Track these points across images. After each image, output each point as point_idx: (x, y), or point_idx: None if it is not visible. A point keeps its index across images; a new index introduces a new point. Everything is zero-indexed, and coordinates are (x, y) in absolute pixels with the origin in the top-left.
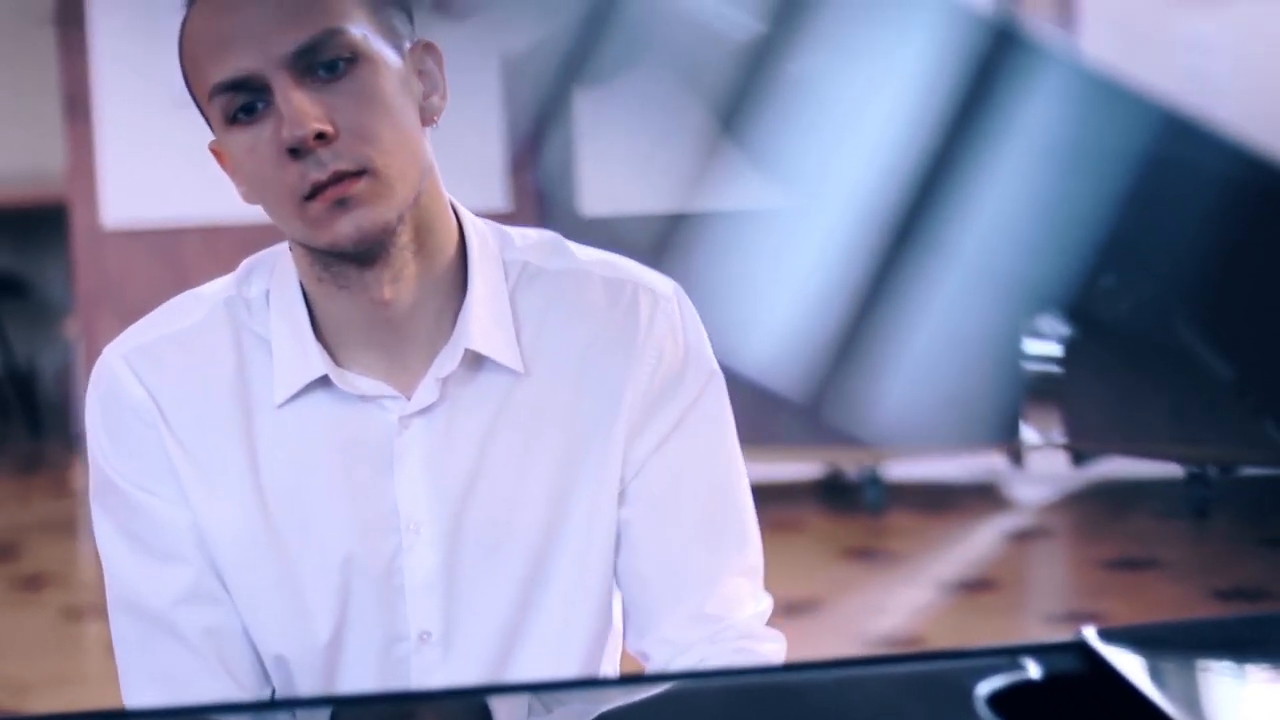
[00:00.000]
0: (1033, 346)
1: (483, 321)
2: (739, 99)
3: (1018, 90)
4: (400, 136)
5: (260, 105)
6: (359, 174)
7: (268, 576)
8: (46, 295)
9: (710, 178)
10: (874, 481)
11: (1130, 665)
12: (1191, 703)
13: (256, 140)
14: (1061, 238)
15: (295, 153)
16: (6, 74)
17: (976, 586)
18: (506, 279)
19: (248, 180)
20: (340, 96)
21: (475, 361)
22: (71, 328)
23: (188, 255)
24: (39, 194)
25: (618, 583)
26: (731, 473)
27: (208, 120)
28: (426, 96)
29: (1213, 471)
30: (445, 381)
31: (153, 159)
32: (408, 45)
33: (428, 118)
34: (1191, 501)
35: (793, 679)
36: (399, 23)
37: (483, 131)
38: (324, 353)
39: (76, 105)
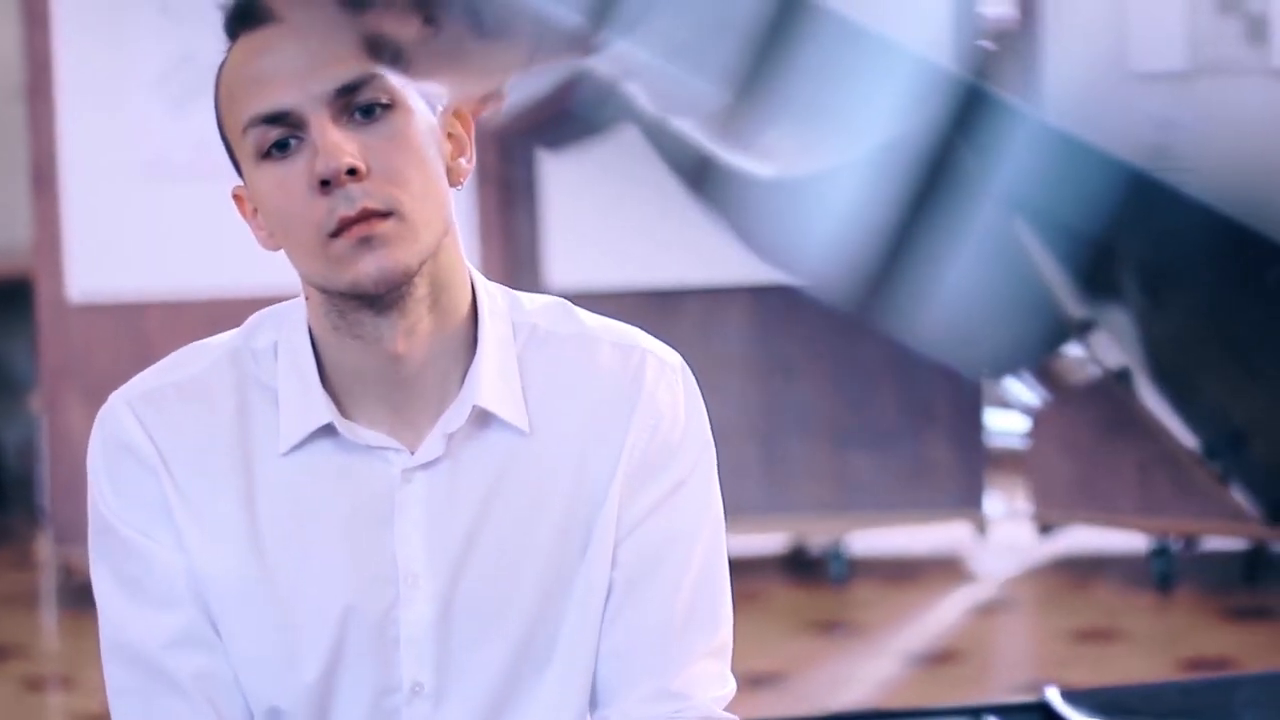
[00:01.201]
0: (996, 417)
1: (491, 379)
2: (718, 166)
3: (984, 152)
4: (428, 184)
5: (294, 142)
6: (386, 214)
7: (263, 623)
8: (11, 369)
9: (684, 251)
10: (837, 555)
11: None
12: None
13: (288, 175)
14: (1025, 305)
15: (326, 185)
16: None
17: (941, 658)
18: (515, 339)
19: (272, 218)
20: (374, 138)
21: (482, 419)
22: (36, 402)
23: (152, 329)
24: (4, 267)
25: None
26: (714, 550)
27: (235, 163)
28: (454, 157)
29: (1176, 544)
30: (451, 437)
31: (118, 232)
32: (440, 107)
33: (454, 178)
34: (1155, 573)
35: None
36: (431, 85)
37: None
38: (330, 402)
39: (43, 179)
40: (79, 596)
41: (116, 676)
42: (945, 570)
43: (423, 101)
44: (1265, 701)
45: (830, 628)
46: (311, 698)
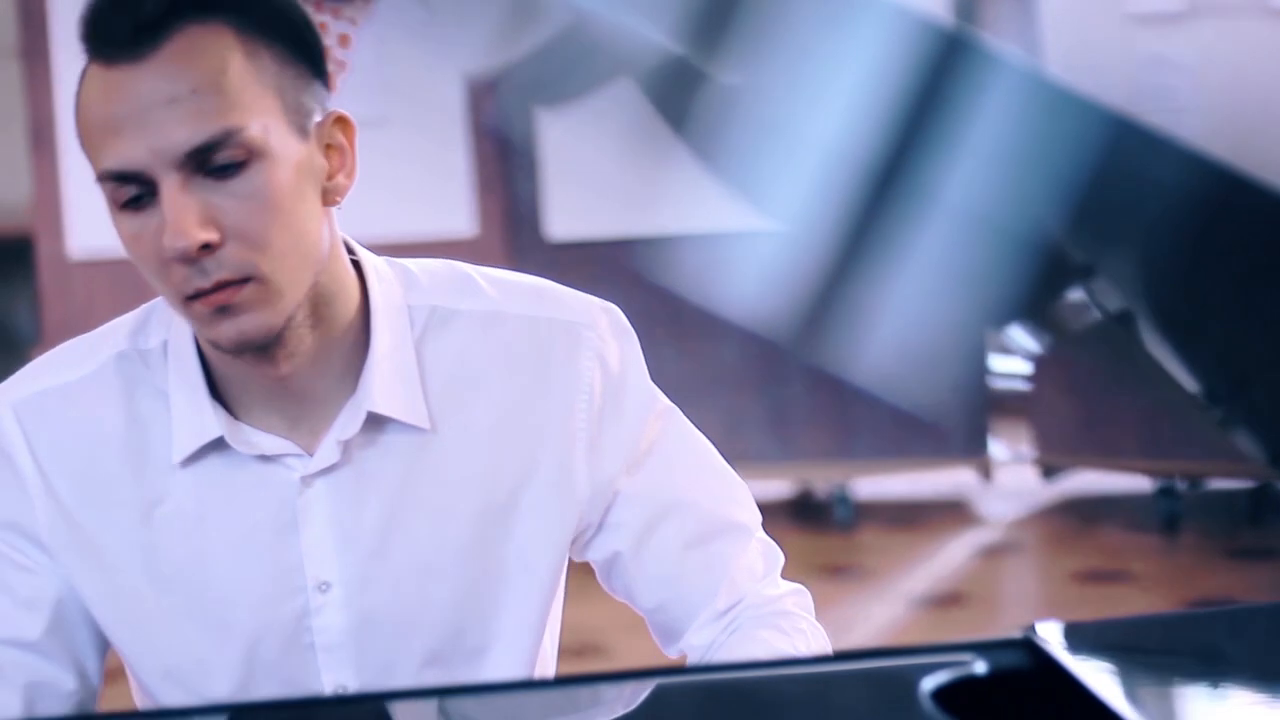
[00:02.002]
0: (1000, 362)
1: (385, 380)
2: (702, 116)
3: (976, 101)
4: (292, 239)
5: (147, 197)
6: (244, 281)
7: (169, 640)
8: (13, 326)
9: (679, 200)
10: (843, 499)
11: (1076, 661)
12: (1138, 698)
13: (143, 230)
14: (1025, 249)
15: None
16: None
17: (946, 601)
18: (412, 327)
19: (134, 259)
20: (231, 198)
21: (379, 422)
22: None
23: (150, 284)
24: (4, 226)
25: (632, 602)
26: (709, 463)
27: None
28: (331, 175)
29: (1181, 484)
30: (347, 443)
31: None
32: (317, 119)
33: (330, 198)
34: (1160, 514)
35: (738, 677)
36: (310, 96)
37: (449, 154)
38: (221, 411)
39: (41, 137)
40: None
41: None
42: (951, 514)
43: (293, 134)
44: (1250, 633)
45: (836, 572)
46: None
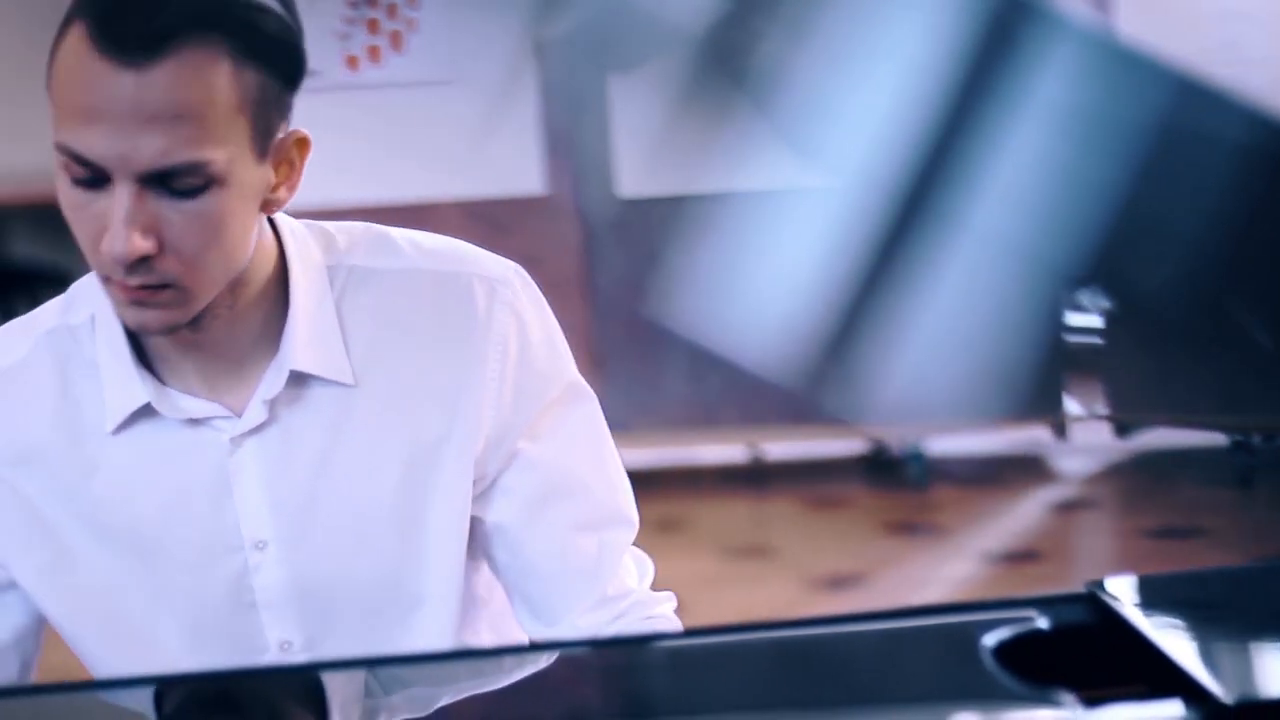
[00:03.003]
0: (1074, 319)
1: (306, 338)
2: (767, 76)
3: (1048, 63)
4: (223, 257)
5: (99, 183)
6: (163, 286)
7: (109, 609)
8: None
9: (744, 157)
10: (917, 456)
11: (1138, 615)
12: (1202, 652)
13: (85, 207)
14: (1098, 210)
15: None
16: (44, 71)
17: (1021, 558)
18: (332, 287)
19: (68, 219)
20: (178, 215)
21: (302, 379)
22: None
23: None
24: None
25: (503, 580)
26: (604, 446)
27: None
28: (275, 188)
29: (1256, 439)
30: (273, 402)
31: None
32: (280, 136)
33: (268, 208)
34: (1235, 469)
35: (803, 634)
36: (278, 113)
37: (519, 115)
38: (148, 378)
39: None
40: None
41: None
42: (1025, 471)
43: (254, 159)
44: None
45: (910, 529)
46: (172, 669)
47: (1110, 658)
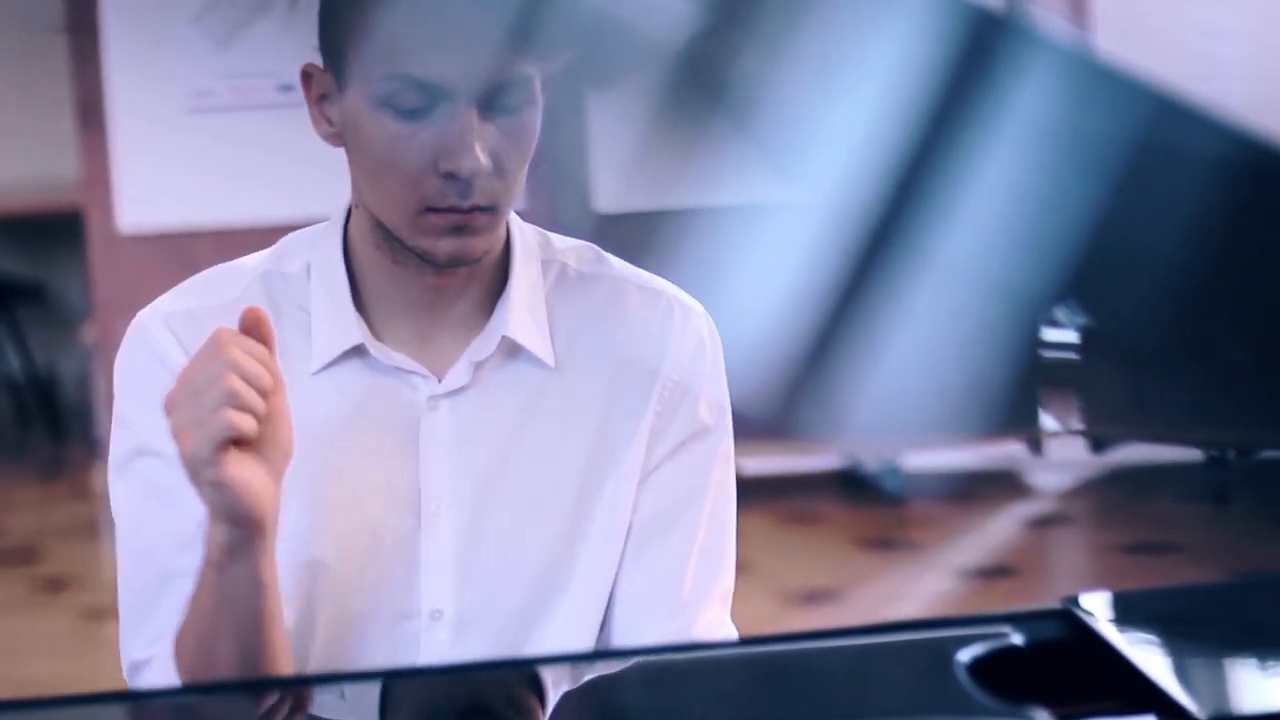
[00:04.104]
0: (1050, 335)
1: (520, 313)
2: (744, 92)
3: (1022, 79)
4: (522, 178)
5: (428, 109)
6: (486, 209)
7: (283, 542)
8: (64, 301)
9: (721, 173)
10: (893, 472)
11: (1112, 631)
12: (1176, 668)
13: (410, 139)
14: (1075, 227)
15: (451, 175)
16: (19, 83)
17: (996, 573)
18: (545, 278)
19: (367, 159)
20: (504, 134)
21: (510, 351)
22: (89, 332)
23: (201, 258)
24: (55, 201)
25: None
26: (726, 498)
27: (336, 67)
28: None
29: (1231, 455)
30: (478, 367)
31: (166, 163)
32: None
33: None
34: (1211, 485)
35: (780, 650)
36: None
37: None
38: (362, 323)
39: (90, 112)
40: None
41: (135, 576)
42: (1001, 486)
43: (542, 84)
44: None
45: (885, 544)
46: (332, 612)
47: (1085, 674)
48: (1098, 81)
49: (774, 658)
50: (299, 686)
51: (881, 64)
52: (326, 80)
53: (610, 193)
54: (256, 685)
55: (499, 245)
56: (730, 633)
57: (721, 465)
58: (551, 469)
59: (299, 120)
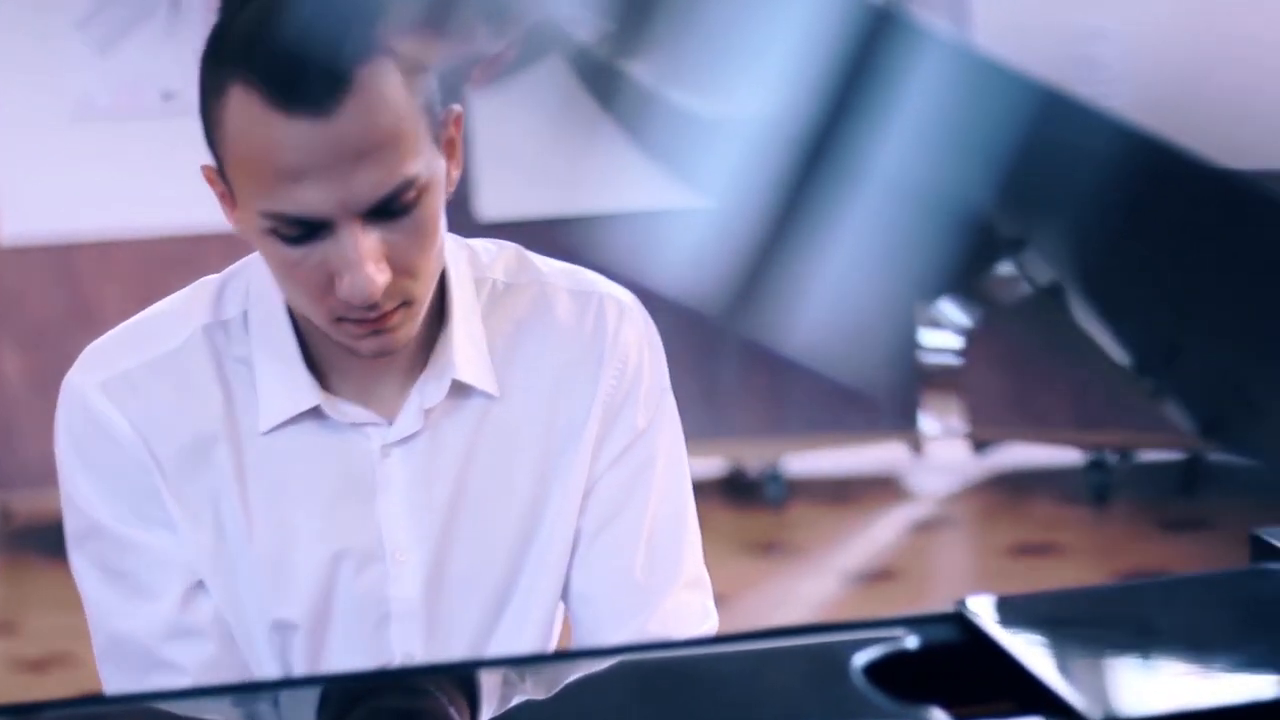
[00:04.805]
0: (930, 336)
1: (464, 349)
2: (635, 95)
3: (905, 75)
4: (436, 259)
5: (314, 234)
6: (398, 307)
7: (251, 607)
8: None
9: (611, 178)
10: (775, 477)
11: (1005, 634)
12: (1069, 671)
13: (303, 261)
14: (955, 223)
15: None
16: None
17: (878, 577)
18: (478, 298)
19: (270, 266)
20: (400, 234)
21: (456, 389)
22: None
23: (83, 269)
24: None
25: (563, 594)
26: (677, 488)
27: (228, 190)
28: (449, 173)
29: (1112, 457)
30: (428, 411)
31: (46, 174)
32: (441, 117)
33: (447, 193)
34: (1091, 487)
35: (672, 655)
36: (436, 100)
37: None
38: (315, 384)
39: None
40: (19, 542)
41: (116, 677)
42: (882, 489)
43: (438, 155)
44: (1180, 604)
45: (768, 549)
46: (301, 671)
47: (979, 677)
48: (985, 78)
49: (666, 664)
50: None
51: (771, 63)
52: (221, 185)
53: (494, 199)
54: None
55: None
56: (706, 622)
57: (666, 458)
58: (502, 496)
59: (182, 129)
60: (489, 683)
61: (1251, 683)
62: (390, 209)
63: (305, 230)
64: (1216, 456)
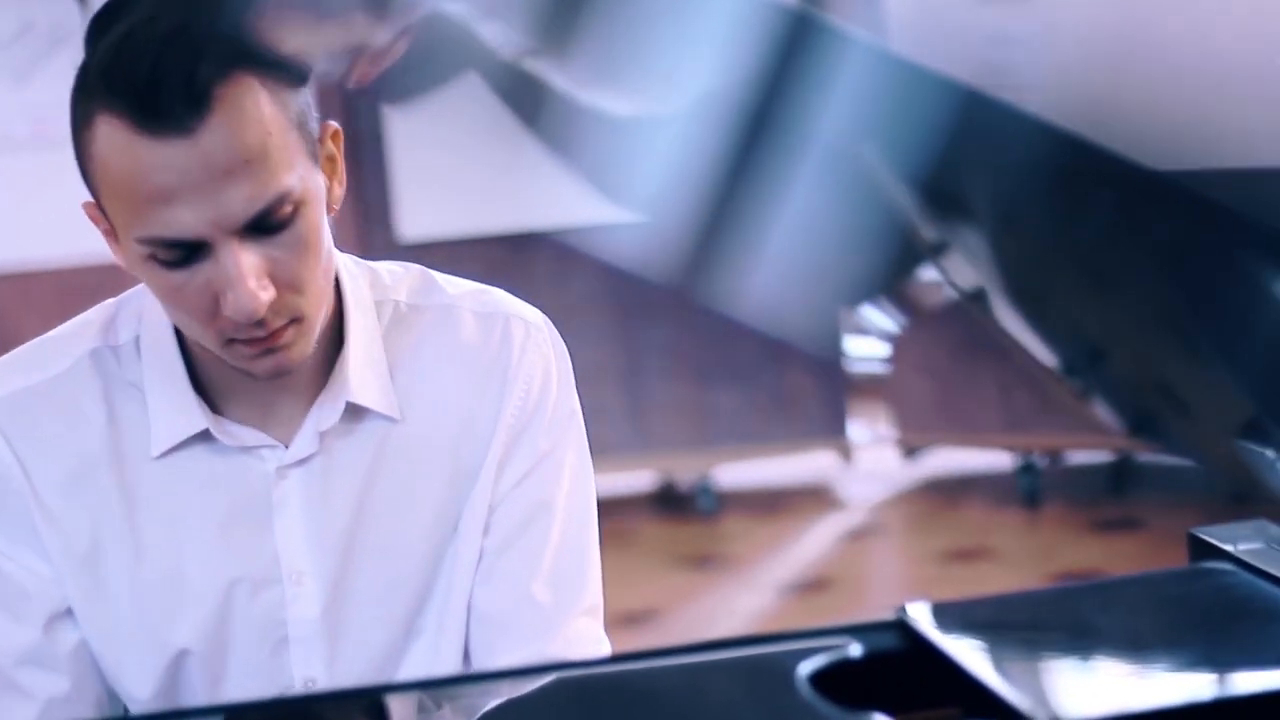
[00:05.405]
0: (855, 342)
1: (360, 372)
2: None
3: (819, 81)
4: (323, 273)
5: (194, 256)
6: (289, 324)
7: (139, 635)
8: None
9: (530, 195)
10: (705, 489)
11: (948, 640)
12: (1011, 674)
13: (186, 285)
14: (874, 229)
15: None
16: None
17: (813, 586)
18: (379, 321)
19: (156, 294)
20: (281, 249)
21: (353, 412)
22: None
23: (2, 302)
24: None
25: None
26: (583, 512)
27: (109, 228)
28: (330, 190)
29: (1041, 460)
30: (324, 435)
31: None
32: (318, 137)
33: (331, 207)
34: (1021, 490)
35: (615, 670)
36: (310, 116)
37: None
38: (203, 405)
39: None
40: None
41: None
42: (813, 499)
43: (314, 168)
44: (1121, 606)
45: (702, 562)
46: (199, 703)
47: (922, 683)
48: (906, 81)
49: (604, 680)
50: None
51: (691, 74)
52: (103, 220)
53: (415, 220)
54: None
55: (331, 305)
56: (603, 645)
57: (571, 481)
58: (405, 519)
59: None
60: (401, 709)
61: (1196, 682)
62: (266, 225)
63: (183, 253)
64: (1145, 456)
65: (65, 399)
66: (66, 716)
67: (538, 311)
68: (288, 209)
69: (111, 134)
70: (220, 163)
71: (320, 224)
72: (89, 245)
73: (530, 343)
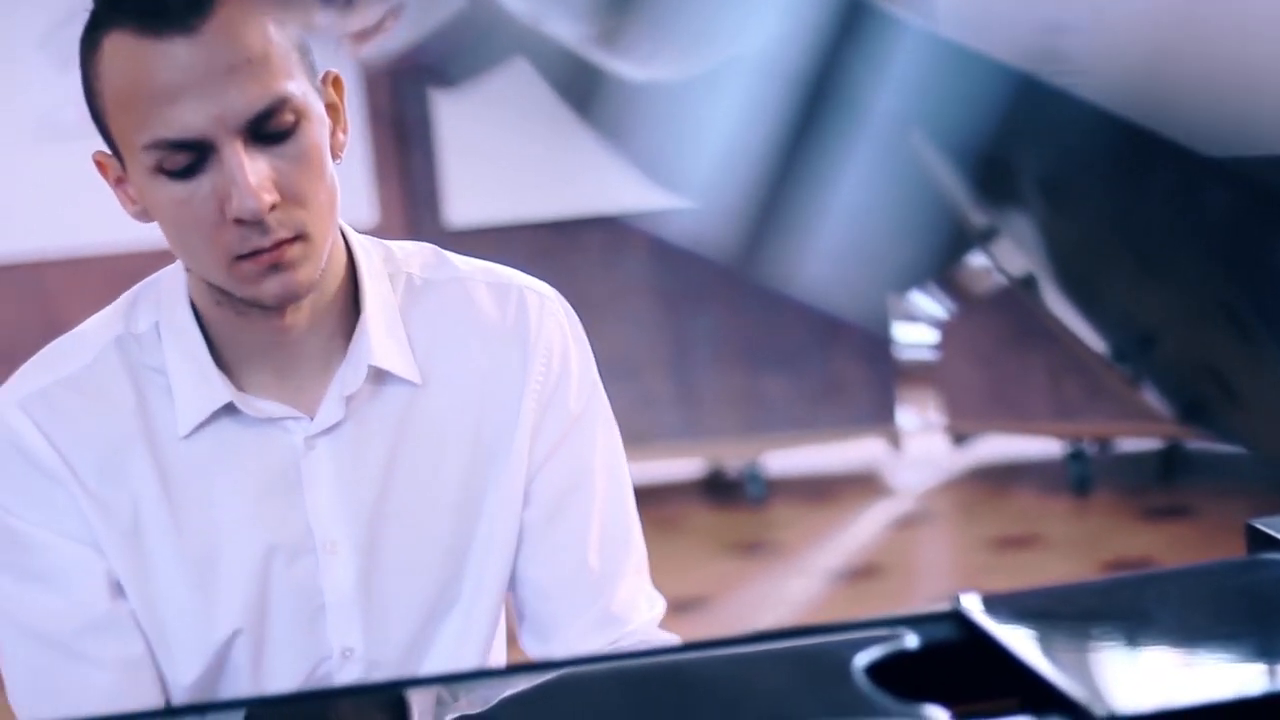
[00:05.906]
0: (905, 329)
1: (380, 338)
2: (605, 96)
3: (873, 68)
4: (327, 194)
5: (199, 164)
6: (294, 239)
7: (185, 612)
8: None
9: (583, 182)
10: (754, 476)
11: (1005, 631)
12: (1066, 664)
13: (192, 196)
14: (925, 214)
15: (241, 220)
16: None
17: (862, 573)
18: (394, 292)
19: (167, 226)
20: (285, 160)
21: (376, 377)
22: None
23: (53, 287)
24: None
25: (512, 586)
26: (617, 471)
27: (115, 150)
28: (334, 134)
29: (1091, 447)
30: (349, 399)
31: (12, 193)
32: (320, 75)
33: (335, 154)
34: (1071, 477)
35: (672, 660)
36: (314, 59)
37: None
38: (225, 379)
39: None
40: None
41: (23, 659)
42: (862, 486)
43: (316, 96)
44: (1178, 597)
45: (750, 549)
46: (243, 675)
47: (978, 674)
48: (957, 65)
49: (661, 670)
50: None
51: (743, 65)
52: (114, 163)
53: (463, 206)
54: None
55: (341, 268)
56: (656, 607)
57: (604, 443)
58: (433, 484)
59: None
60: (466, 692)
61: (1253, 676)
62: (269, 132)
63: (189, 160)
64: (1195, 444)
65: (95, 388)
66: (149, 678)
67: (548, 286)
68: (289, 117)
69: (117, 46)
70: (222, 60)
71: (323, 146)
72: (138, 231)
73: (545, 312)
